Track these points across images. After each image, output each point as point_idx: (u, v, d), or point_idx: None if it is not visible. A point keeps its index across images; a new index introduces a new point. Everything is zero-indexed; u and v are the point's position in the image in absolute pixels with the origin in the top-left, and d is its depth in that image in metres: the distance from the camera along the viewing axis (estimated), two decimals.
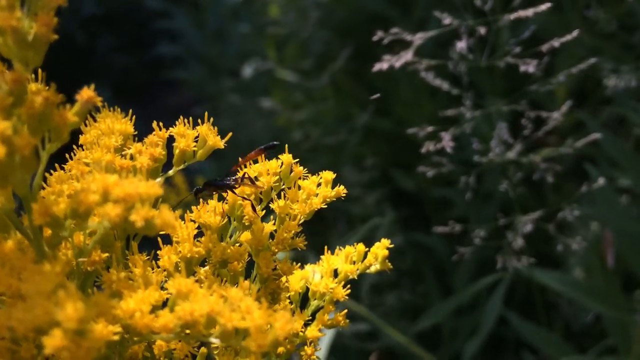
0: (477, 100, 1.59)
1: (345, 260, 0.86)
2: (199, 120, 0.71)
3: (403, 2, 3.17)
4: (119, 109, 0.74)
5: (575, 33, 1.30)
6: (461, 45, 1.28)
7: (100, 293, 0.52)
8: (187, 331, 0.55)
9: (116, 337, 0.53)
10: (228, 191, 0.73)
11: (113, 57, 4.98)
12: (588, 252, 1.91)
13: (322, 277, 0.84)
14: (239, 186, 0.74)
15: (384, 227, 2.41)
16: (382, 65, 1.30)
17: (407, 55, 1.28)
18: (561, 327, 2.38)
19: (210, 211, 0.71)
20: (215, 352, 0.67)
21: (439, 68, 1.53)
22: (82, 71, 4.60)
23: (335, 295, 0.82)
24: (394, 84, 3.01)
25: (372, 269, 0.88)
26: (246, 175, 0.75)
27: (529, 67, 1.29)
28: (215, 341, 0.55)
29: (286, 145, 0.78)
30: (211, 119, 0.71)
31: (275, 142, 0.77)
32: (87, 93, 0.55)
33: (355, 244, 0.88)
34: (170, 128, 0.69)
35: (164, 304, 0.58)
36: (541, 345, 1.92)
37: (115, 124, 0.72)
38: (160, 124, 0.68)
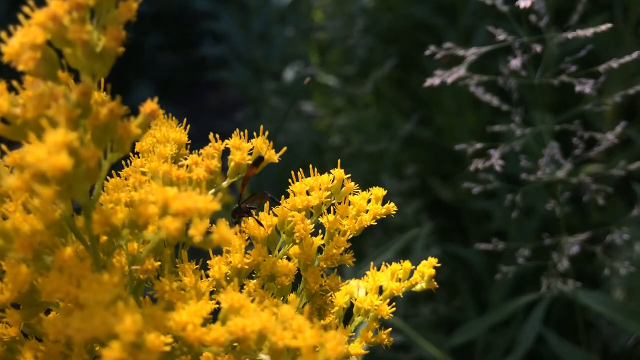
0: (525, 116, 1.56)
1: (391, 277, 0.85)
2: (255, 134, 0.71)
3: (449, 10, 3.14)
4: (172, 117, 0.75)
5: (635, 54, 1.26)
6: (515, 62, 1.25)
7: (155, 306, 0.52)
8: (236, 345, 0.55)
9: (167, 349, 0.53)
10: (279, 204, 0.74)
11: (160, 56, 5.06)
12: (631, 273, 1.85)
13: (367, 293, 0.84)
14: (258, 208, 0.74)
15: (422, 238, 2.39)
16: (433, 81, 1.28)
17: (460, 71, 1.26)
18: (599, 349, 2.32)
19: (256, 223, 0.71)
20: None
21: (488, 83, 1.51)
22: (129, 69, 4.68)
23: (379, 312, 0.81)
24: (437, 93, 2.98)
25: (418, 287, 0.87)
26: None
27: (585, 87, 1.25)
28: (264, 357, 0.54)
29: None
30: (266, 133, 0.71)
31: (261, 155, 0.74)
32: (150, 106, 0.56)
33: (400, 261, 0.87)
34: (226, 140, 0.70)
35: (213, 314, 0.59)
36: None
37: (170, 133, 0.73)
38: (217, 135, 0.69)
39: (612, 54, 1.41)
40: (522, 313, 2.35)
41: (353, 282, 0.86)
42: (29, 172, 0.47)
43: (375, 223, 0.78)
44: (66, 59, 0.53)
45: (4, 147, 0.55)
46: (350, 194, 0.79)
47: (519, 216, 1.82)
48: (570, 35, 1.23)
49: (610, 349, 2.32)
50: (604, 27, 1.18)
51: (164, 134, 0.72)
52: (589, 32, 1.18)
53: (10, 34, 0.51)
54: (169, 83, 4.94)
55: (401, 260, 0.87)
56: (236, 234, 0.68)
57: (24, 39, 0.50)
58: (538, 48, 1.26)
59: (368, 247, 2.74)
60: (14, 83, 0.53)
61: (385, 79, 3.24)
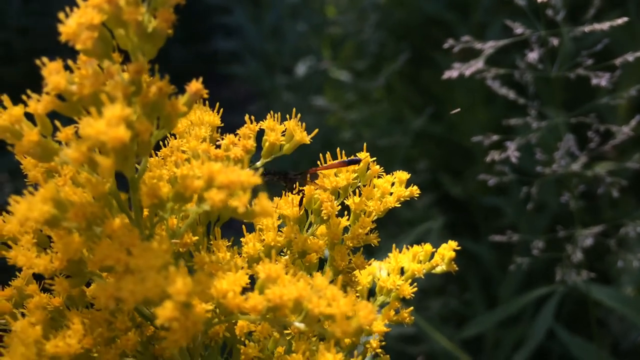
0: (540, 110, 1.58)
1: (413, 259, 0.88)
2: (287, 116, 0.74)
3: (462, 6, 3.14)
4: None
5: None
6: (533, 55, 1.27)
7: (201, 272, 0.55)
8: (271, 314, 0.58)
9: (209, 315, 0.57)
10: (307, 182, 0.76)
11: (171, 49, 5.08)
12: None
13: (389, 274, 0.86)
14: (302, 182, 0.77)
15: (434, 232, 2.41)
16: (452, 73, 1.31)
17: (478, 64, 1.28)
18: (610, 345, 2.33)
19: (288, 203, 0.74)
20: (288, 337, 0.70)
21: (504, 77, 1.53)
22: None
23: (401, 292, 0.84)
24: (449, 88, 3.00)
25: (438, 269, 0.89)
26: (310, 172, 0.78)
27: (602, 80, 1.28)
28: (299, 325, 0.57)
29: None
30: (299, 115, 0.74)
31: (358, 158, 0.78)
32: (195, 85, 0.59)
33: (407, 246, 0.90)
34: (261, 122, 0.73)
35: (248, 288, 0.62)
36: None
37: (204, 116, 0.76)
38: (252, 117, 0.72)
39: (627, 48, 1.43)
40: (531, 309, 2.36)
41: (375, 264, 0.89)
42: (86, 145, 0.51)
43: (399, 205, 0.81)
44: (117, 40, 0.56)
45: (57, 123, 0.58)
46: (375, 177, 0.82)
47: (530, 211, 1.84)
48: (587, 29, 1.25)
49: (621, 345, 2.34)
50: (620, 20, 1.20)
51: (199, 117, 0.76)
52: (605, 25, 1.21)
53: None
54: (181, 76, 4.99)
55: (422, 244, 0.90)
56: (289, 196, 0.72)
57: (81, 20, 0.53)
58: (555, 41, 1.28)
59: (381, 241, 2.76)
60: (70, 62, 0.56)
61: (396, 74, 3.25)
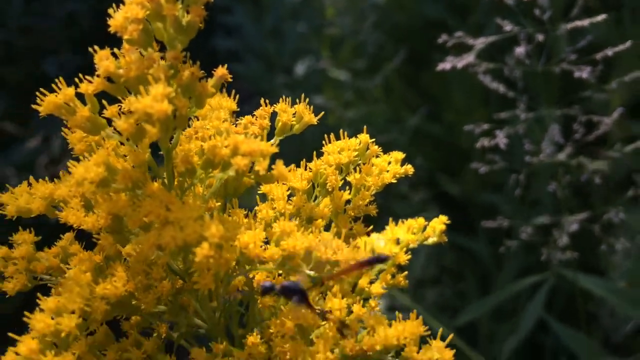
0: (530, 104, 1.69)
1: (407, 230, 0.98)
2: (297, 100, 0.85)
3: (460, 9, 3.24)
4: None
5: (628, 44, 1.39)
6: (520, 50, 1.38)
7: (228, 220, 0.66)
8: (284, 265, 0.69)
9: (233, 264, 0.67)
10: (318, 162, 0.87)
11: None
12: (633, 262, 1.95)
13: (385, 244, 0.97)
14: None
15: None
16: (445, 65, 1.42)
17: (469, 57, 1.39)
18: (601, 338, 2.40)
19: (297, 177, 0.85)
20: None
21: (495, 73, 1.64)
22: None
23: (397, 259, 0.95)
24: (447, 89, 3.09)
25: (430, 240, 1.00)
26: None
27: (583, 73, 1.38)
28: (309, 273, 0.68)
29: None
30: (307, 100, 0.84)
31: (382, 256, 0.76)
32: (221, 70, 0.70)
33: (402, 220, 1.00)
34: (274, 105, 0.83)
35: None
36: (580, 352, 1.94)
37: (222, 101, 0.86)
38: (267, 100, 0.82)
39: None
40: (524, 301, 2.45)
41: (374, 235, 0.99)
42: (134, 117, 0.61)
43: (395, 181, 0.91)
44: (155, 31, 0.67)
45: (104, 102, 0.69)
46: (373, 156, 0.92)
47: (522, 206, 1.94)
48: (569, 26, 1.36)
49: (611, 339, 2.41)
50: (599, 17, 1.30)
51: (218, 102, 0.86)
52: (586, 22, 1.31)
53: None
54: None
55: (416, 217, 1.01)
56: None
57: (127, 15, 0.63)
58: (541, 37, 1.39)
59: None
60: (116, 50, 0.67)
61: (395, 73, 3.35)
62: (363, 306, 0.83)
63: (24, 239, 0.78)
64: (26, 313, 0.64)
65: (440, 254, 2.83)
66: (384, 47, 3.56)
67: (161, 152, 0.70)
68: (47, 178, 0.77)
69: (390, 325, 0.67)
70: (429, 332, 0.68)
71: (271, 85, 4.22)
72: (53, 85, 0.68)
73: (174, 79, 0.65)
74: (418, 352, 0.65)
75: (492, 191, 2.73)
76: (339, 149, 0.89)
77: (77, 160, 0.72)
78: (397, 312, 0.69)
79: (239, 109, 0.83)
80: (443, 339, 0.68)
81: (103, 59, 0.64)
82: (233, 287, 0.79)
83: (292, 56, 4.19)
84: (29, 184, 0.76)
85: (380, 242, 0.99)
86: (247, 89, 5.09)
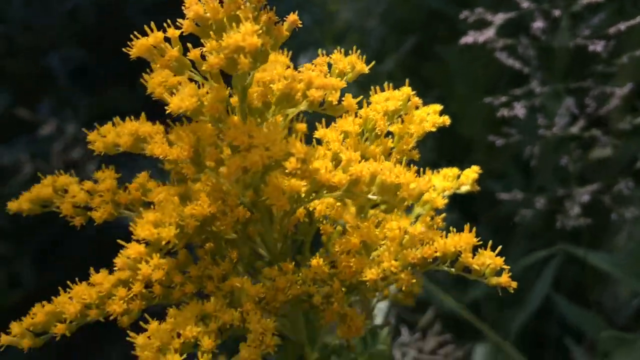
0: (544, 79, 1.78)
1: (443, 179, 1.07)
2: (350, 50, 0.93)
3: (462, 1, 3.32)
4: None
5: (638, 19, 1.48)
6: (537, 25, 1.47)
7: (309, 147, 0.75)
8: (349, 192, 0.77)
9: (306, 187, 0.76)
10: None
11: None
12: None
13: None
14: None
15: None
16: (467, 39, 1.50)
17: (489, 32, 1.48)
18: (607, 317, 2.47)
19: (349, 122, 0.94)
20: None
21: (510, 49, 1.73)
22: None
23: (434, 203, 1.04)
24: (449, 81, 3.17)
25: (463, 188, 1.09)
26: None
27: (597, 46, 1.47)
28: (373, 197, 0.77)
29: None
30: (358, 51, 0.93)
31: None
32: (292, 17, 0.79)
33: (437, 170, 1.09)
34: (331, 55, 0.92)
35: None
36: (587, 328, 1.99)
37: (278, 57, 0.95)
38: (324, 51, 0.91)
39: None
40: (534, 278, 2.52)
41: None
42: (225, 52, 0.70)
43: (435, 129, 1.00)
44: None
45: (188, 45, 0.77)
46: (414, 108, 1.01)
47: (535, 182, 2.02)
48: (585, 1, 1.45)
49: (614, 322, 2.48)
50: None
51: (274, 57, 0.95)
52: None
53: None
54: None
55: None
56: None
57: None
58: (557, 12, 1.48)
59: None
60: None
61: (399, 66, 3.43)
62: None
63: (107, 175, 0.87)
64: (131, 224, 0.73)
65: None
66: (386, 40, 3.64)
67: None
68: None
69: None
70: (481, 242, 0.76)
71: None
72: (139, 32, 0.77)
73: (256, 21, 0.73)
74: (473, 258, 0.74)
75: (496, 180, 2.80)
76: (385, 98, 0.97)
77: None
78: (451, 227, 0.77)
79: None
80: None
81: (193, 4, 0.73)
82: (295, 218, 0.88)
83: (298, 49, 4.27)
84: (114, 124, 0.85)
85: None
86: None
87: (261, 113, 0.79)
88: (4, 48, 3.91)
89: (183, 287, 0.79)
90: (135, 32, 0.78)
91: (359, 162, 0.80)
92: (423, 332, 1.80)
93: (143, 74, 0.84)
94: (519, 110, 1.55)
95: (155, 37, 0.76)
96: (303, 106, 0.75)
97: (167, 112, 0.75)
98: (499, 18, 1.54)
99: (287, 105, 0.77)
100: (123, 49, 0.77)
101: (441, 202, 1.04)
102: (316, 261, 0.81)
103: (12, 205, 0.87)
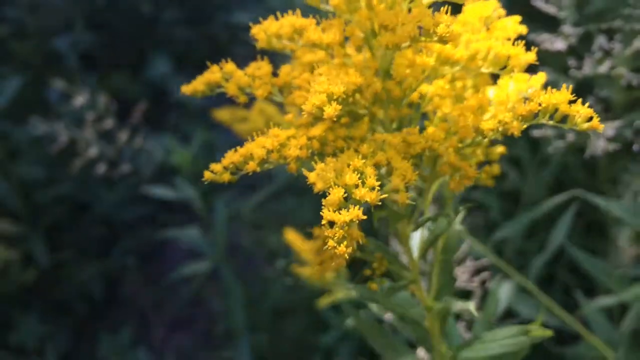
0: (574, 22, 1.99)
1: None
2: None
3: None
4: None
5: None
6: None
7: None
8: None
9: (432, 63, 0.98)
10: None
11: (176, 30, 5.08)
12: None
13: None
14: None
15: None
16: None
17: None
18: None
19: None
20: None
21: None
22: (145, 41, 4.55)
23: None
24: None
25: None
26: None
27: None
28: (486, 71, 0.99)
29: None
30: None
31: None
32: None
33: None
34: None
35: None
36: (600, 276, 2.08)
37: None
38: None
39: None
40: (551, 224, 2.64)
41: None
42: None
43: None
44: None
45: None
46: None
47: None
48: None
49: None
50: None
51: None
52: None
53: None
54: (186, 57, 4.97)
55: None
56: None
57: None
58: None
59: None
60: None
61: None
62: None
63: (264, 64, 1.07)
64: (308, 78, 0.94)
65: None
66: None
67: None
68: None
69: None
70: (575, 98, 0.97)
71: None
72: None
73: None
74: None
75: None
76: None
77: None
78: (549, 87, 0.98)
79: None
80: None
81: None
82: (410, 101, 1.10)
83: None
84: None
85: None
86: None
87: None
88: (13, 30, 4.04)
89: (335, 143, 1.00)
90: None
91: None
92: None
93: None
94: (559, 44, 1.77)
95: None
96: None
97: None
98: None
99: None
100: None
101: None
102: (432, 128, 1.03)
103: (187, 88, 1.07)
